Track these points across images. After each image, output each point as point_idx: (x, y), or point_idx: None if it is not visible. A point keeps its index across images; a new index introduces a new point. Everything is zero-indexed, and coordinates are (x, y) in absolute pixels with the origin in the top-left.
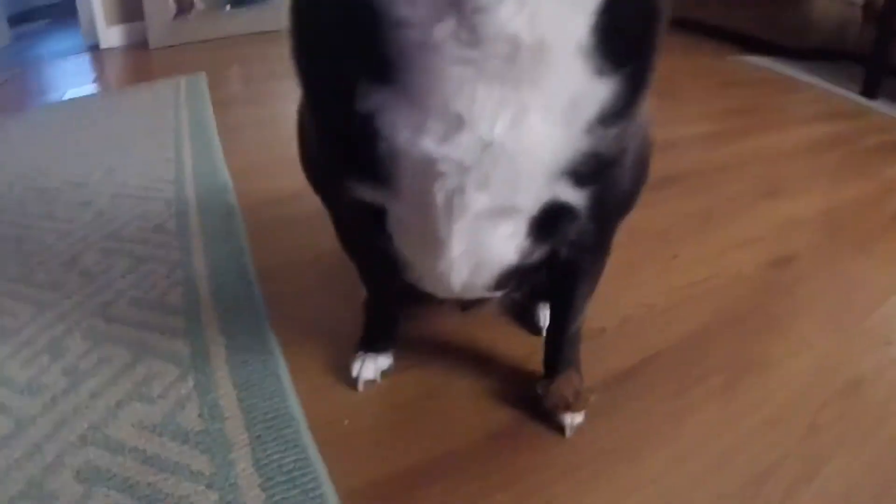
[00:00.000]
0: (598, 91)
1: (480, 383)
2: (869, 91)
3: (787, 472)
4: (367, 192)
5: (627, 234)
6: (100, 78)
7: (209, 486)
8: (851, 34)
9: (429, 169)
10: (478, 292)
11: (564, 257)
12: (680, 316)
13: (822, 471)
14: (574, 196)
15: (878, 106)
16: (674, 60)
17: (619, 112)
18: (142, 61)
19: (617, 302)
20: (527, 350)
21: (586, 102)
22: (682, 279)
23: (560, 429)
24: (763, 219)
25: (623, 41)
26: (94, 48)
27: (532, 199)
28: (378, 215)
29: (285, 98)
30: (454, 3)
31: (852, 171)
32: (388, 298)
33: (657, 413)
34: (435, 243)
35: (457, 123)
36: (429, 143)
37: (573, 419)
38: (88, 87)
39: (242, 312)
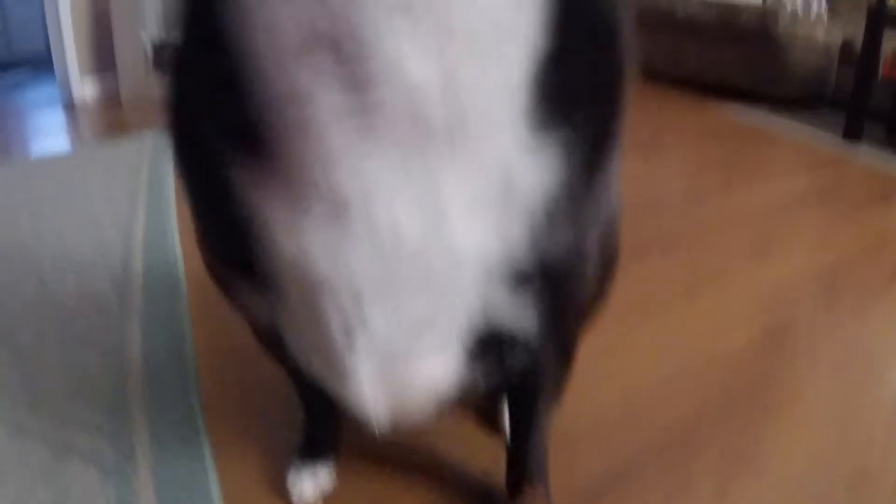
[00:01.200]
0: (542, 169)
1: (434, 497)
2: (851, 137)
3: None
4: (252, 300)
5: (607, 316)
6: (70, 132)
7: None
8: (830, 79)
9: (312, 277)
10: (415, 419)
11: (518, 380)
12: (664, 409)
13: None
14: (517, 311)
15: (861, 153)
16: (655, 113)
17: (572, 195)
18: (113, 115)
19: (592, 397)
20: (489, 454)
21: (526, 184)
22: (666, 363)
23: None
24: (751, 284)
25: (576, 103)
26: (69, 100)
27: (459, 318)
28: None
29: None
30: (333, 43)
31: (843, 225)
32: (319, 405)
33: None
34: (340, 373)
35: (345, 215)
36: (307, 243)
37: None
38: (58, 142)
39: (175, 410)
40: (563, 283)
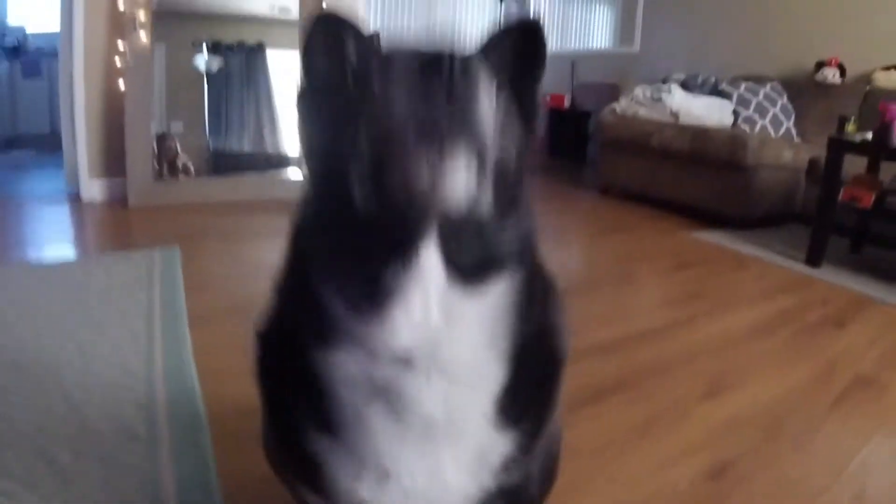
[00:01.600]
0: (501, 444)
1: None
2: (813, 259)
3: None
4: (308, 497)
5: (566, 457)
6: (78, 236)
7: None
8: (798, 195)
9: None
10: None
11: None
12: None
13: None
14: None
15: (822, 274)
16: (629, 241)
17: (521, 453)
18: (121, 220)
19: None
20: None
21: (492, 453)
22: (616, 500)
23: None
24: (702, 423)
25: (523, 404)
26: (76, 197)
27: None
28: None
29: (259, 288)
30: (382, 390)
31: (795, 355)
32: None
33: None
34: None
35: (385, 476)
36: (362, 490)
37: None
38: (67, 246)
39: None
40: (518, 496)
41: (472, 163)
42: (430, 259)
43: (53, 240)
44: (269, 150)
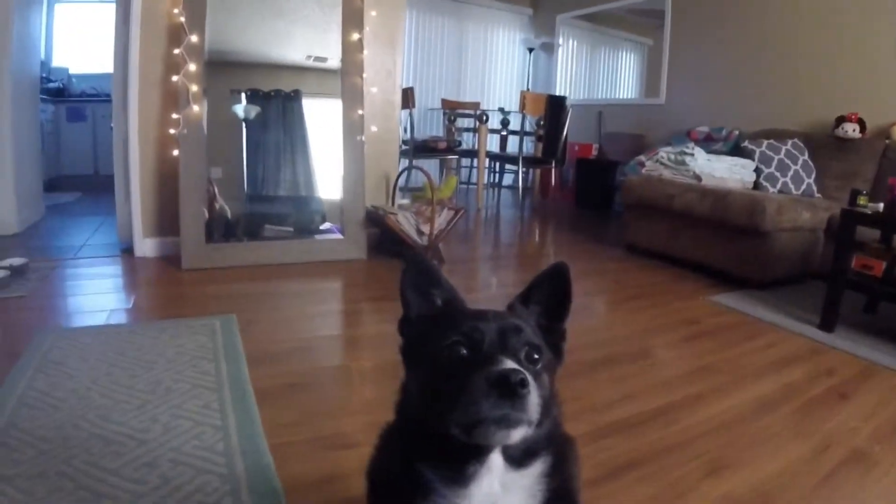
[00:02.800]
0: None
1: None
2: (826, 324)
3: None
4: None
5: None
6: (138, 298)
7: None
8: (816, 256)
9: None
10: None
11: None
12: None
13: None
14: None
15: (834, 339)
16: (650, 310)
17: None
18: (175, 281)
19: None
20: None
21: None
22: None
23: None
24: (699, 502)
25: None
26: (129, 251)
27: None
28: None
29: (314, 362)
30: None
31: (793, 431)
32: None
33: None
34: None
35: None
36: None
37: None
38: (127, 307)
39: None
40: None
41: (531, 418)
42: (496, 459)
43: (114, 300)
44: (303, 192)
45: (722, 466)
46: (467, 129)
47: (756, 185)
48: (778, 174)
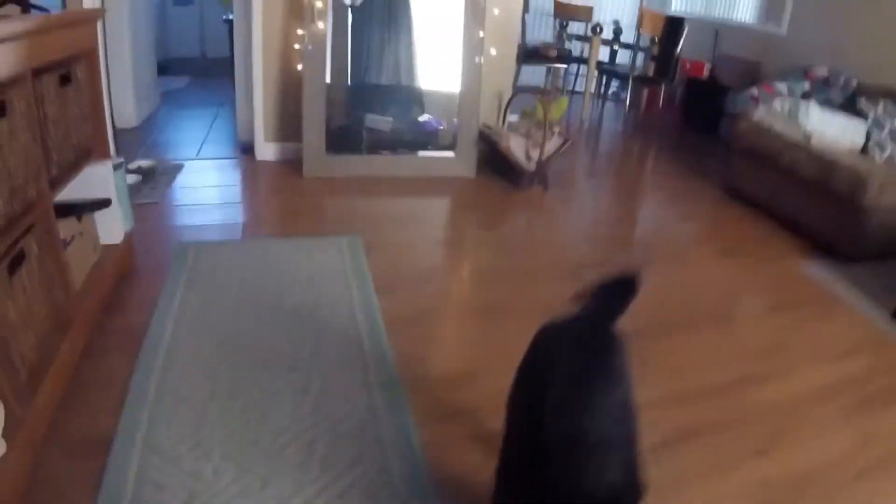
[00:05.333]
0: None
1: None
2: None
3: None
4: None
5: None
6: (263, 212)
7: None
8: None
9: None
10: None
11: None
12: None
13: None
14: None
15: None
16: (738, 271)
17: None
18: (298, 188)
19: None
20: None
21: None
22: None
23: None
24: (745, 481)
25: None
26: (249, 152)
27: None
28: None
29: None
30: None
31: (840, 426)
32: None
33: None
34: None
35: None
36: None
37: None
38: (253, 220)
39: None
40: None
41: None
42: None
43: (243, 208)
44: (404, 82)
45: (767, 450)
46: (578, 38)
47: (865, 148)
48: (889, 142)
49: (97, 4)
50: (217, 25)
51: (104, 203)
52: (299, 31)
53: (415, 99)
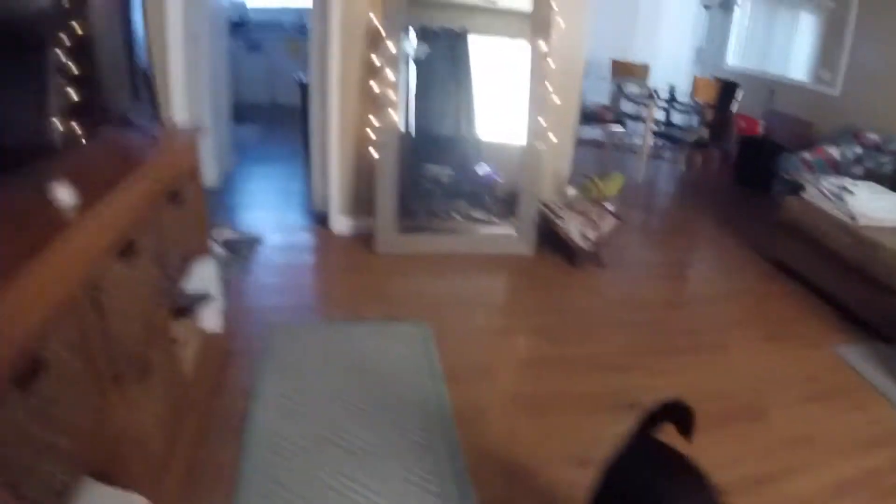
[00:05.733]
0: None
1: None
2: None
3: None
4: None
5: None
6: (340, 291)
7: None
8: None
9: None
10: None
11: None
12: None
13: None
14: None
15: None
16: (777, 357)
17: None
18: (371, 269)
19: None
20: None
21: None
22: None
23: None
24: None
25: None
26: (323, 221)
27: None
28: None
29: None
30: None
31: None
32: None
33: None
34: None
35: None
36: None
37: None
38: (332, 297)
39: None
40: None
41: None
42: None
43: (322, 285)
44: (464, 133)
45: None
46: (633, 99)
47: None
48: None
49: (187, 107)
50: (285, 73)
51: (207, 298)
52: (373, 121)
53: (473, 149)
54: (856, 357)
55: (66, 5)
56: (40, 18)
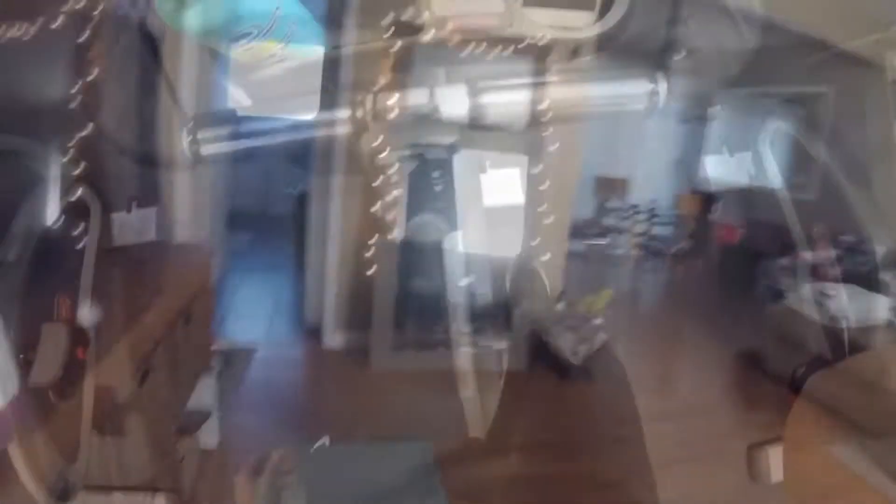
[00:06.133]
0: None
1: None
2: None
3: None
4: None
5: None
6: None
7: None
8: None
9: None
10: None
11: None
12: None
13: None
14: None
15: None
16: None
17: None
18: (368, 388)
19: None
20: None
21: None
22: None
23: None
24: None
25: None
26: (316, 336)
27: None
28: None
29: None
30: None
31: None
32: None
33: None
34: None
35: None
36: None
37: None
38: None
39: None
40: None
41: None
42: None
43: (321, 404)
44: (455, 249)
45: None
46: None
47: (892, 323)
48: None
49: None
50: (276, 183)
51: (207, 416)
52: (372, 246)
53: (463, 264)
54: (850, 456)
55: None
56: None
